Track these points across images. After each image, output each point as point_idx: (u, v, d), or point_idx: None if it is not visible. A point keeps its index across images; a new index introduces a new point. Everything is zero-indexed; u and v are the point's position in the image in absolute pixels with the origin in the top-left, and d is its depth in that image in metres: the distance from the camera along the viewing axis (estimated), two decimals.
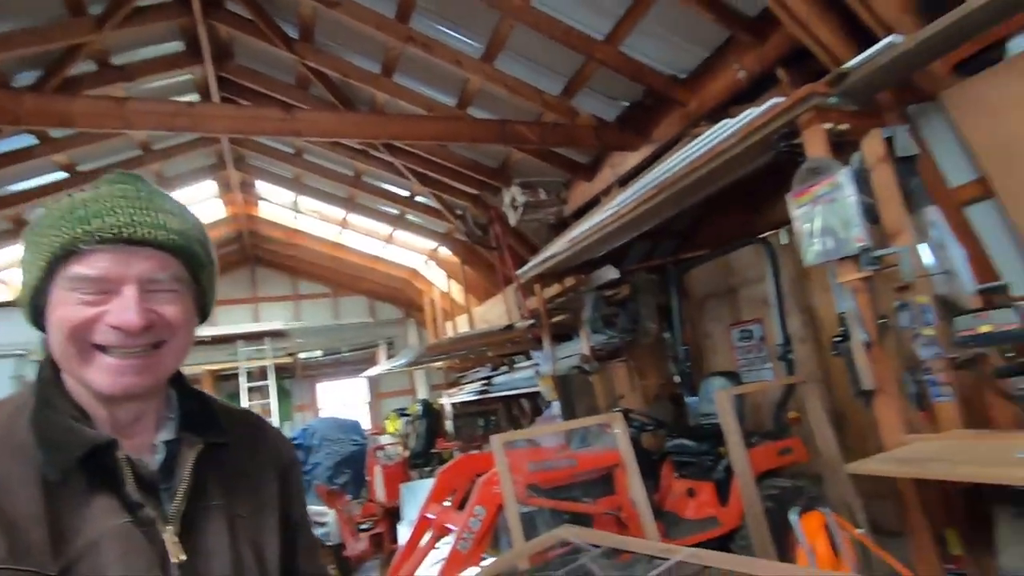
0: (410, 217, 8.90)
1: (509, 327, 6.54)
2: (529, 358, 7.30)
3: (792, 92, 3.19)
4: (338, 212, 9.50)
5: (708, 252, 5.93)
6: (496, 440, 3.20)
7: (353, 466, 7.51)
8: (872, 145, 3.23)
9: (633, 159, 5.25)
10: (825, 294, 4.58)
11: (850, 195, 2.88)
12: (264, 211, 10.09)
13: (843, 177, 2.88)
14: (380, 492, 6.67)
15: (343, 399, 12.66)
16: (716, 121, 3.84)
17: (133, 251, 0.82)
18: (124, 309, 0.81)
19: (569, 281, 6.28)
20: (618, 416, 3.59)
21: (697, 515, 4.24)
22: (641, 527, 3.44)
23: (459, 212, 7.20)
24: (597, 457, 3.79)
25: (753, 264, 5.61)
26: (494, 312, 7.97)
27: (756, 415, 5.22)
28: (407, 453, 7.46)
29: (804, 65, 3.62)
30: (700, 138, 3.66)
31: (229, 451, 0.95)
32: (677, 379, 5.80)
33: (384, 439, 7.78)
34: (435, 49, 4.73)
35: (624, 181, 5.24)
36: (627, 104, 5.11)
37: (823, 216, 3.00)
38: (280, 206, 9.85)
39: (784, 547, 3.39)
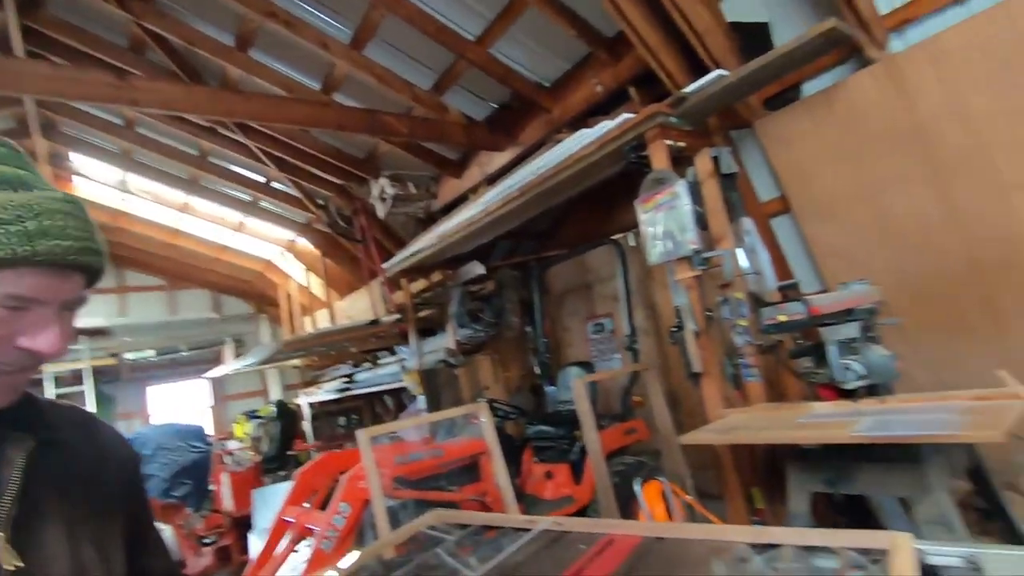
0: (265, 204, 8.28)
1: (374, 322, 6.42)
2: (394, 353, 7.22)
3: (641, 110, 3.58)
4: (178, 195, 8.51)
5: (567, 251, 6.37)
6: (363, 435, 3.15)
7: (194, 475, 6.81)
8: (703, 162, 3.74)
9: (501, 159, 5.45)
10: (665, 291, 5.15)
11: (686, 204, 3.31)
12: (82, 189, 8.68)
13: (680, 188, 3.30)
14: (227, 501, 6.15)
15: (181, 403, 11.37)
16: (577, 129, 4.16)
17: (67, 275, 0.79)
18: (46, 334, 0.77)
19: (436, 276, 6.33)
20: (483, 406, 3.73)
21: (554, 495, 4.56)
22: (505, 509, 3.62)
23: (321, 202, 6.87)
24: (463, 446, 3.90)
25: (606, 263, 6.13)
26: (357, 307, 7.74)
27: (607, 400, 5.72)
28: (259, 458, 6.95)
29: (652, 87, 4.06)
30: (561, 145, 3.93)
31: (61, 450, 0.89)
32: (538, 370, 6.17)
33: (232, 444, 7.16)
34: (299, 28, 4.47)
35: (492, 180, 5.42)
36: (496, 105, 5.29)
37: (664, 221, 3.41)
38: (103, 184, 8.55)
39: (629, 516, 3.80)
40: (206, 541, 5.94)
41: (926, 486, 2.28)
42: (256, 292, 11.53)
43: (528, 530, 1.75)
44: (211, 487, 6.68)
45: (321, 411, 8.51)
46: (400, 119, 4.88)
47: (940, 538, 2.19)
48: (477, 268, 6.06)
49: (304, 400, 8.57)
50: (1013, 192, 2.86)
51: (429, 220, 6.43)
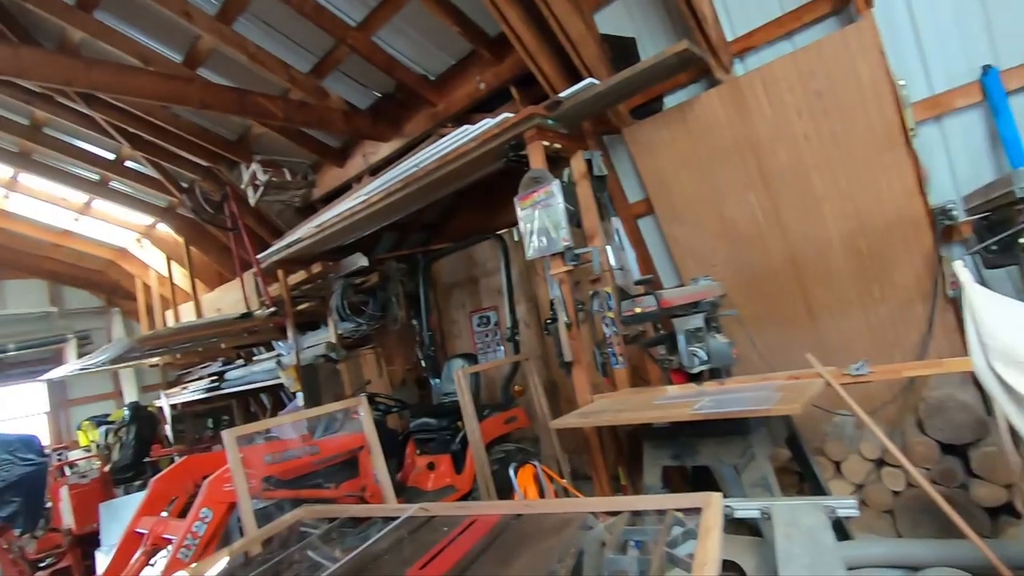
0: (116, 185, 7.39)
1: (247, 315, 6.02)
2: (271, 349, 6.82)
3: (522, 110, 3.72)
4: (3, 170, 7.33)
5: (453, 245, 6.43)
6: (228, 435, 2.98)
7: (23, 492, 5.93)
8: (577, 163, 3.98)
9: (385, 149, 5.35)
10: (545, 285, 5.40)
11: (560, 203, 3.50)
12: None
13: (554, 187, 3.48)
14: (68, 518, 5.46)
15: (8, 410, 9.81)
16: (461, 124, 4.22)
17: None
18: None
19: (316, 268, 6.07)
20: (362, 400, 3.68)
21: (436, 486, 4.62)
22: (384, 503, 3.61)
23: (185, 185, 6.28)
24: (341, 442, 3.82)
25: (491, 257, 6.28)
26: (228, 299, 7.19)
27: (490, 390, 5.88)
28: (108, 467, 6.25)
29: (534, 88, 4.22)
30: (443, 140, 3.96)
31: None
32: (423, 363, 6.18)
33: (74, 454, 6.36)
34: None
35: (375, 170, 5.31)
36: (380, 95, 5.19)
37: (540, 219, 3.58)
38: None
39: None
40: (41, 564, 5.24)
41: (751, 454, 2.64)
42: (108, 283, 10.26)
43: (395, 518, 1.79)
44: (48, 504, 5.89)
45: (186, 413, 7.82)
46: (275, 101, 4.61)
47: (761, 496, 2.56)
48: (360, 260, 5.91)
49: (165, 401, 7.82)
50: (823, 203, 3.38)
51: (309, 209, 6.15)
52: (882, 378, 2.60)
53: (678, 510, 1.53)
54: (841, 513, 1.46)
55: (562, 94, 3.60)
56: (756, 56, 3.50)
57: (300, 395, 5.87)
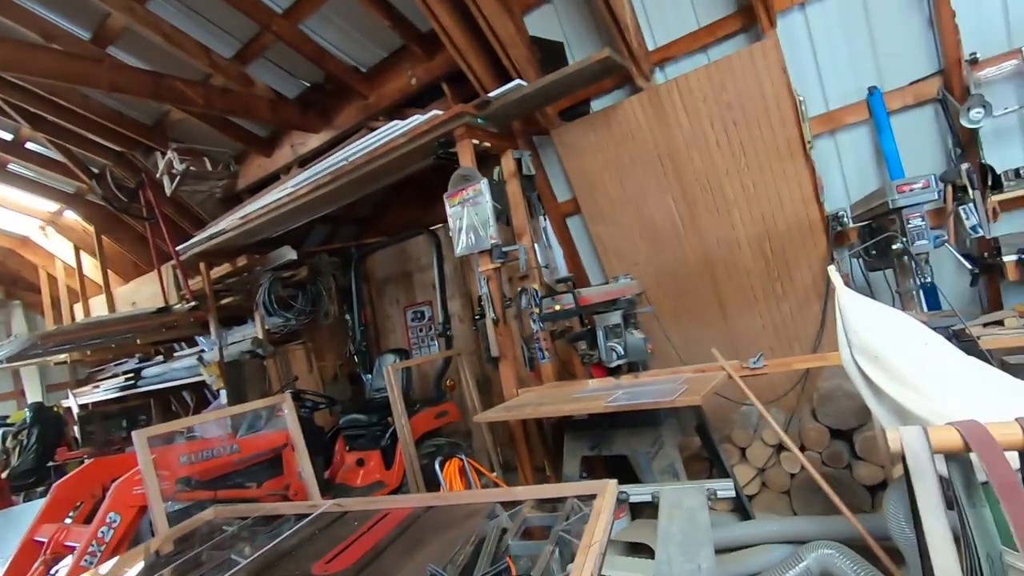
0: (16, 168, 6.81)
1: (165, 310, 5.72)
2: (193, 345, 6.51)
3: (452, 107, 3.75)
4: None
5: (387, 239, 6.37)
6: (139, 436, 2.86)
7: None
8: (507, 163, 4.05)
9: (315, 141, 5.23)
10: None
11: (487, 201, 3.57)
12: None
13: (483, 186, 3.54)
14: None
15: None
16: (394, 118, 4.19)
17: None
18: None
19: (242, 261, 5.86)
20: (286, 397, 3.62)
21: (365, 482, 4.60)
22: (309, 500, 3.57)
23: (96, 171, 5.88)
24: (264, 440, 3.74)
25: (425, 252, 6.27)
26: (144, 293, 6.80)
27: (424, 386, 5.89)
28: (6, 473, 5.79)
29: (464, 86, 4.25)
30: (373, 134, 3.93)
31: None
32: (355, 358, 6.10)
33: None
34: None
35: (305, 162, 5.18)
36: (309, 85, 5.05)
37: (469, 216, 3.64)
38: None
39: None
40: None
41: (661, 443, 2.82)
42: (7, 274, 9.43)
43: (308, 515, 1.80)
44: None
45: (96, 413, 7.34)
46: (194, 87, 4.40)
47: (669, 482, 2.74)
48: (289, 253, 5.76)
49: (74, 401, 7.31)
50: (733, 208, 3.62)
51: (234, 199, 5.91)
52: (776, 370, 2.84)
53: (578, 497, 1.64)
54: (720, 495, 1.61)
55: (491, 94, 3.66)
56: (675, 66, 3.69)
57: (224, 393, 5.66)
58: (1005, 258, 2.81)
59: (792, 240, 3.56)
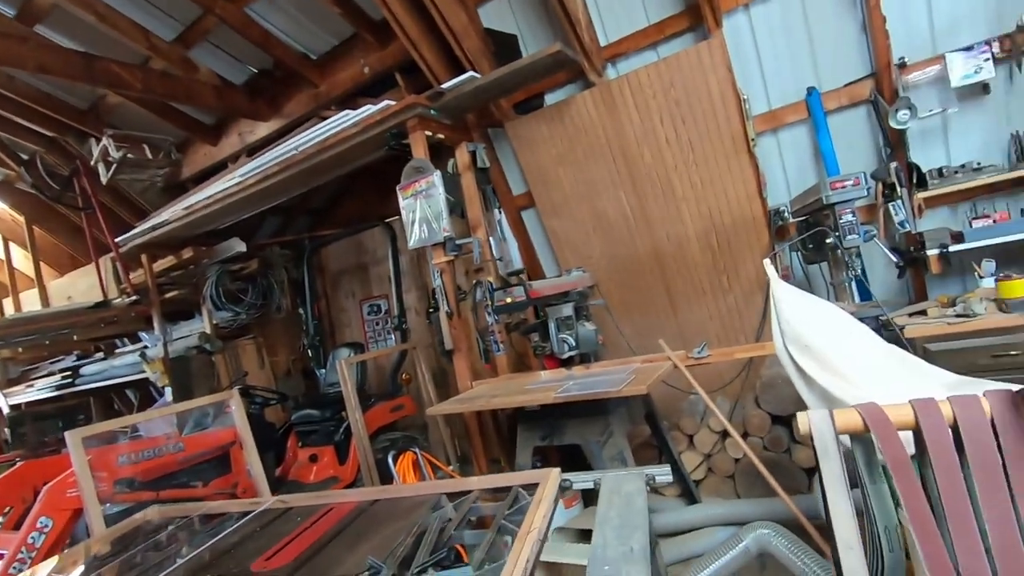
0: None
1: (103, 304, 5.45)
2: (137, 340, 6.24)
3: (405, 98, 3.70)
4: None
5: (341, 231, 6.25)
6: (72, 436, 2.73)
7: None
8: (461, 155, 4.04)
9: (263, 129, 5.07)
10: None
11: (441, 193, 3.55)
12: None
13: (436, 178, 3.52)
14: None
15: None
16: (345, 107, 4.10)
17: None
18: None
19: (187, 253, 5.64)
20: (234, 393, 3.52)
21: (318, 478, 4.54)
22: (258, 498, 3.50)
23: (25, 157, 5.52)
24: (210, 438, 3.64)
25: (381, 244, 6.18)
26: (80, 286, 6.46)
27: (380, 380, 5.83)
28: None
29: (418, 76, 4.20)
30: (324, 124, 3.85)
31: None
32: (309, 353, 5.98)
33: None
34: None
35: (253, 151, 5.01)
36: (256, 71, 4.89)
37: (422, 208, 3.61)
38: None
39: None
40: None
41: (610, 432, 2.89)
42: None
43: (251, 511, 1.77)
44: None
45: (29, 414, 6.94)
46: (131, 70, 4.19)
47: (618, 469, 2.81)
48: (238, 245, 5.58)
49: (3, 401, 6.90)
50: (682, 202, 3.72)
51: (178, 189, 5.68)
52: (719, 360, 2.95)
53: (524, 486, 1.66)
54: (659, 480, 1.67)
55: (444, 85, 3.64)
56: (626, 62, 3.75)
57: (169, 390, 5.45)
58: (929, 252, 2.99)
59: (737, 234, 3.68)
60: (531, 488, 1.63)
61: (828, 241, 2.81)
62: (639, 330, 4.12)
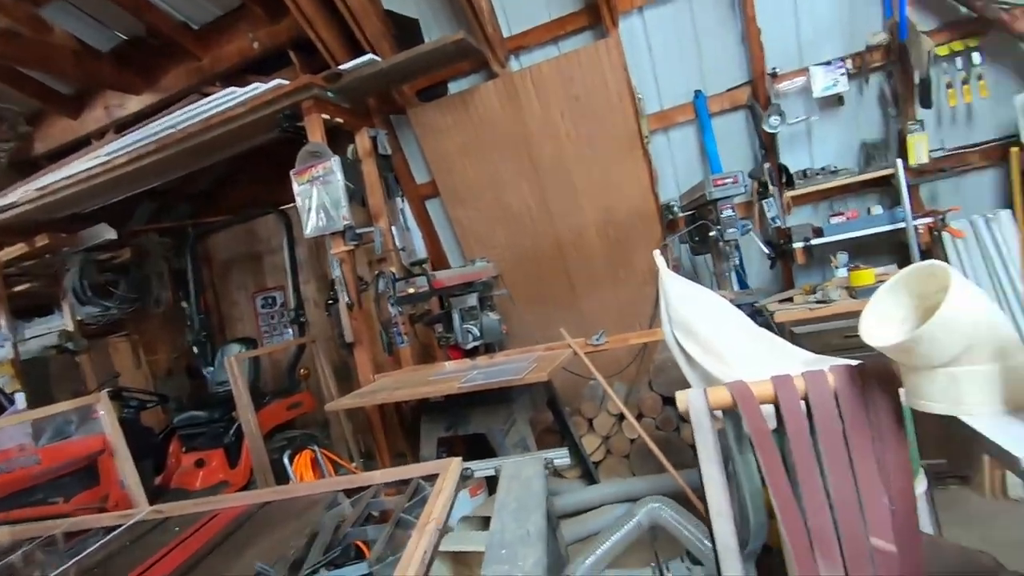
0: None
1: None
2: None
3: (300, 77, 3.49)
4: None
5: (229, 218, 5.80)
6: None
7: None
8: (362, 141, 3.89)
9: (135, 103, 4.56)
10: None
11: (339, 180, 3.40)
12: None
13: (334, 164, 3.37)
14: None
15: None
16: (231, 83, 3.79)
17: None
18: None
19: (43, 240, 4.96)
20: (102, 396, 3.17)
21: (206, 483, 4.21)
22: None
23: None
24: (73, 448, 3.26)
25: (276, 233, 5.81)
26: None
27: (277, 376, 5.51)
28: None
29: (314, 56, 3.97)
30: (207, 101, 3.54)
31: None
32: (195, 350, 5.51)
33: None
34: None
35: (123, 127, 4.50)
36: (126, 38, 4.38)
37: (319, 195, 3.44)
38: None
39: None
40: None
41: (513, 420, 2.94)
42: None
43: (120, 526, 1.61)
44: None
45: None
46: None
47: (521, 456, 2.87)
48: (106, 232, 5.00)
49: None
50: (581, 195, 3.85)
51: (29, 166, 4.98)
52: (616, 346, 3.10)
53: (424, 477, 1.65)
54: (557, 463, 1.72)
55: (343, 67, 3.47)
56: (529, 55, 3.79)
57: (20, 396, 4.79)
58: (795, 245, 3.33)
59: (632, 227, 3.88)
60: (434, 479, 1.62)
61: (711, 234, 3.04)
62: (542, 319, 4.21)
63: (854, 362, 1.07)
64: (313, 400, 4.88)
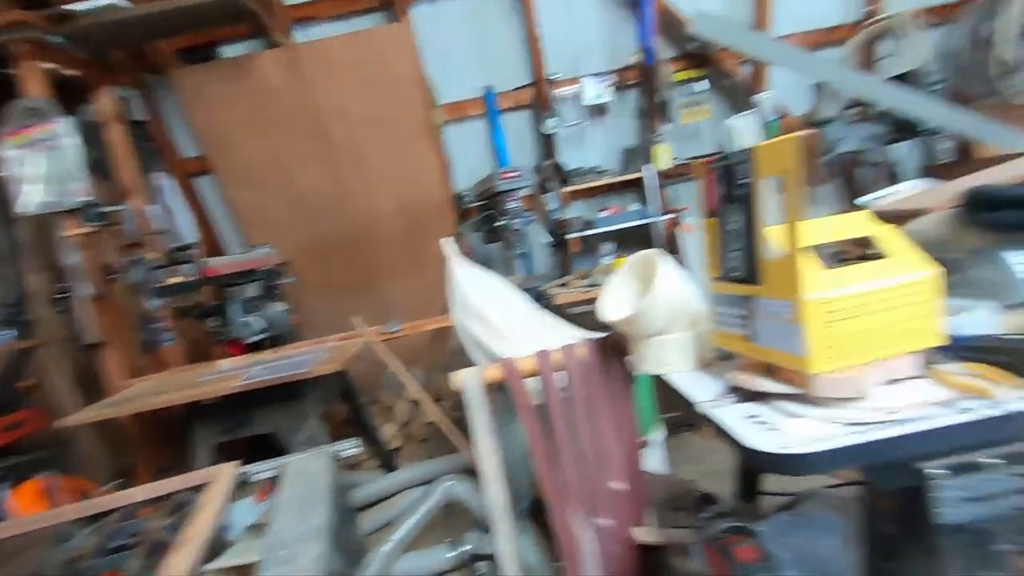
0: None
1: None
2: None
3: (13, 12, 2.75)
4: None
5: None
6: None
7: None
8: (106, 101, 3.24)
9: None
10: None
11: (74, 146, 2.79)
12: None
13: (64, 126, 2.74)
14: None
15: None
16: None
17: None
18: None
19: None
20: None
21: None
22: None
23: None
24: None
25: None
26: None
27: None
28: None
29: None
30: None
31: None
32: None
33: None
34: None
35: None
36: None
37: (43, 163, 2.77)
38: None
39: None
40: None
41: (304, 415, 2.77)
42: None
43: None
44: None
45: None
46: None
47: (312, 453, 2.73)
48: None
49: None
50: (378, 181, 3.76)
51: None
52: (410, 333, 3.12)
53: (191, 489, 1.47)
54: (347, 454, 1.69)
55: (76, 7, 2.84)
56: (317, 28, 3.57)
57: None
58: (571, 235, 3.73)
59: (428, 215, 3.92)
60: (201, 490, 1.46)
61: (498, 224, 3.23)
62: (340, 308, 4.02)
63: (598, 335, 1.25)
64: (44, 416, 3.96)
